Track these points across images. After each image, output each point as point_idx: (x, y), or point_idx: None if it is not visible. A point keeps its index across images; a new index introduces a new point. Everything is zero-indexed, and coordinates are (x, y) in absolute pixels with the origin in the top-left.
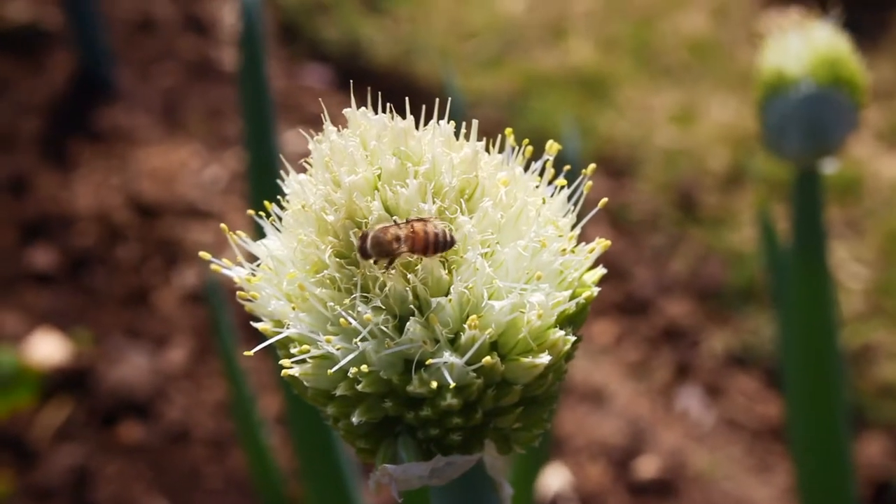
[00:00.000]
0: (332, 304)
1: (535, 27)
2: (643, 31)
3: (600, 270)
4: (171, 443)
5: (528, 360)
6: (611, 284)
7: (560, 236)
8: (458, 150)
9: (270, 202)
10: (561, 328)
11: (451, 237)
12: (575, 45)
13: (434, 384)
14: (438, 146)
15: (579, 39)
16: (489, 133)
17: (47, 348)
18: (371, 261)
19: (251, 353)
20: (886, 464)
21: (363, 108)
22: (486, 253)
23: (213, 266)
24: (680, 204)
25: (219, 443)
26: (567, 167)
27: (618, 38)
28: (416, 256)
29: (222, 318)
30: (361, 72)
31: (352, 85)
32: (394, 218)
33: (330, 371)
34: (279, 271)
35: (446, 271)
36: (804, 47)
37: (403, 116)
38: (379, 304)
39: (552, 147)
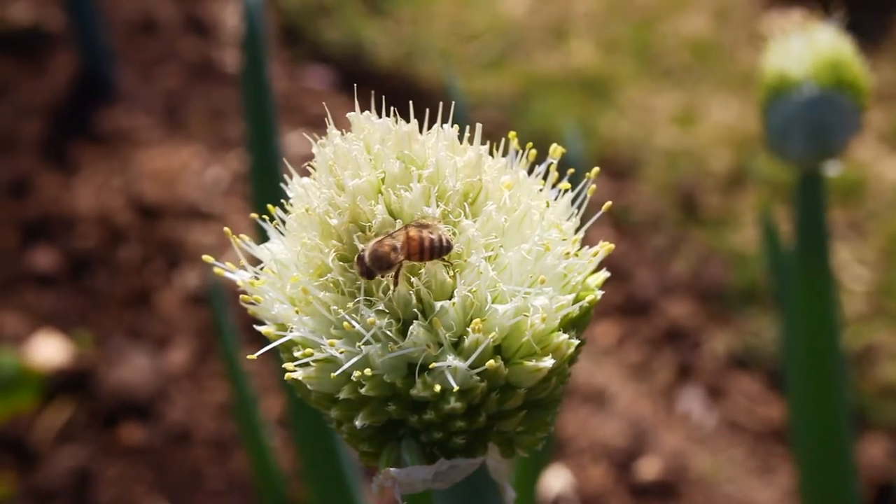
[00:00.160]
0: (335, 307)
1: (537, 29)
2: (644, 33)
3: (604, 274)
4: (172, 444)
5: (531, 363)
6: (612, 285)
7: (564, 240)
8: (461, 153)
9: (273, 204)
10: (564, 332)
11: (448, 242)
12: (576, 47)
13: (437, 388)
14: (442, 150)
15: (581, 41)
16: (491, 135)
17: (48, 350)
18: (378, 276)
19: (255, 356)
20: (889, 465)
21: (367, 112)
22: (489, 256)
23: (216, 269)
24: (681, 205)
25: (220, 444)
26: (571, 170)
27: (619, 40)
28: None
29: (224, 319)
30: (363, 74)
31: (355, 89)
32: (385, 230)
33: (333, 374)
34: (282, 275)
35: (450, 275)
36: (807, 49)
37: (406, 119)
38: (382, 307)
39: (556, 150)
